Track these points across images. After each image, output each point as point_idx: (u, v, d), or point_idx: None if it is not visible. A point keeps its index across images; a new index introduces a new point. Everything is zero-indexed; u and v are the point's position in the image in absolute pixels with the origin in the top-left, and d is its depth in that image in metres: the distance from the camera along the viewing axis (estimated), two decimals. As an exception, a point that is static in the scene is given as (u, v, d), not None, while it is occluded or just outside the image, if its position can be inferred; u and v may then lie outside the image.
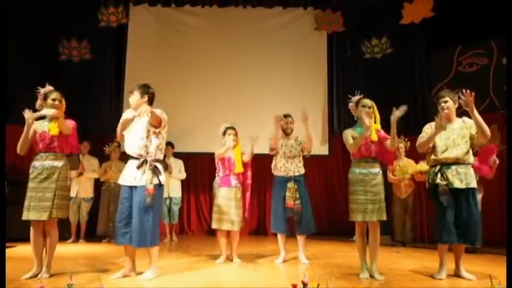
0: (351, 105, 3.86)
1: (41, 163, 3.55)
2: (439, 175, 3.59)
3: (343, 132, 3.85)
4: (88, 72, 7.88)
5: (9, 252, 4.60)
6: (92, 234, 6.61)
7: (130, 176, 3.46)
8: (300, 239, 4.55)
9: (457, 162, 3.59)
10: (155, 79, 7.96)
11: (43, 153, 3.60)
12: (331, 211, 8.05)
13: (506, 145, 5.12)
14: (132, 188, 3.45)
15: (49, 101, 3.70)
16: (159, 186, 3.47)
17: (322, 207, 8.00)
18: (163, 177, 3.51)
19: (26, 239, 4.84)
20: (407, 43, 7.56)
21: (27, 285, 3.09)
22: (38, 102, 3.74)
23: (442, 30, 6.96)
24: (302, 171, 4.64)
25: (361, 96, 3.82)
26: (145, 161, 3.45)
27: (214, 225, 4.56)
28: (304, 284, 2.57)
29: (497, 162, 4.65)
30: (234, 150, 4.72)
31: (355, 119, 3.85)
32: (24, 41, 7.11)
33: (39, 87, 3.78)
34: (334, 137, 8.02)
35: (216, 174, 4.74)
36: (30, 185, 3.50)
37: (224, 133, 4.82)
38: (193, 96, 7.89)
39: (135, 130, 3.55)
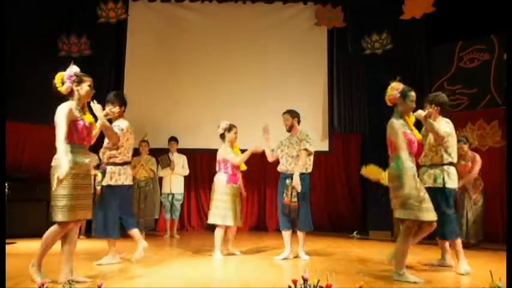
0: (395, 94, 3.61)
1: (85, 158, 3.23)
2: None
3: (395, 123, 3.50)
4: (87, 68, 7.82)
5: (9, 248, 4.60)
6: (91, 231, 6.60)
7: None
8: (299, 235, 4.54)
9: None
10: (155, 75, 8.06)
11: (83, 148, 3.24)
12: (331, 207, 8.05)
13: (506, 142, 5.12)
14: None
15: (87, 87, 3.27)
16: (108, 187, 4.02)
17: (322, 203, 8.00)
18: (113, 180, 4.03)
19: (25, 236, 4.84)
20: (408, 39, 7.53)
21: (27, 282, 3.09)
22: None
23: (443, 25, 6.93)
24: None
25: (409, 88, 3.64)
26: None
27: (218, 221, 4.59)
28: (305, 280, 2.57)
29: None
30: (234, 149, 4.72)
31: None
32: (23, 37, 7.09)
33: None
34: (335, 133, 8.00)
35: (224, 171, 4.75)
36: (76, 182, 3.10)
37: (229, 130, 4.82)
38: (193, 92, 7.86)
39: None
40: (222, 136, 4.93)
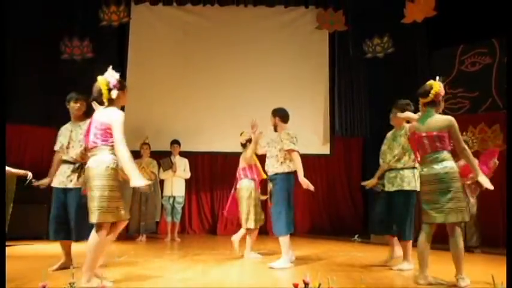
0: (442, 92, 3.46)
1: None
2: None
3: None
4: (90, 70, 7.87)
5: (10, 250, 4.61)
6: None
7: (65, 179, 3.74)
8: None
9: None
10: (157, 78, 8.08)
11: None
12: (332, 210, 8.04)
13: (507, 146, 5.11)
14: (66, 190, 3.74)
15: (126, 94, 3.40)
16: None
17: (323, 206, 7.99)
18: None
19: (26, 238, 4.83)
20: (410, 42, 7.54)
21: (28, 284, 3.08)
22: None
23: (444, 29, 6.94)
24: (277, 170, 4.24)
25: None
26: (80, 166, 3.65)
27: (253, 225, 4.72)
28: (306, 284, 2.56)
29: (497, 163, 4.83)
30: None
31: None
32: (26, 39, 7.13)
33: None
34: (336, 136, 8.01)
35: (251, 177, 4.85)
36: (117, 184, 3.06)
37: (252, 141, 4.76)
38: (195, 95, 7.89)
39: (78, 138, 3.77)
40: (244, 145, 4.97)
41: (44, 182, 3.83)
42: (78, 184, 3.69)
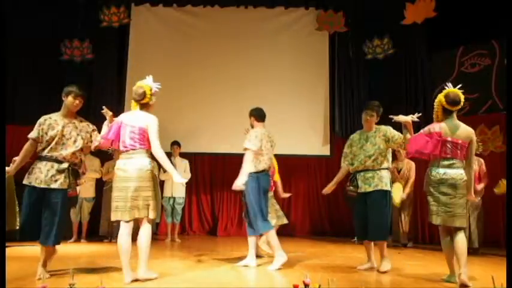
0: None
1: None
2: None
3: None
4: (90, 72, 7.89)
5: (9, 251, 4.61)
6: (93, 234, 6.63)
7: (48, 178, 3.38)
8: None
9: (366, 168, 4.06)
10: (157, 79, 7.99)
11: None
12: (332, 212, 8.04)
13: (506, 147, 5.12)
14: (47, 190, 3.37)
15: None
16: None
17: (323, 207, 7.99)
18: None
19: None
20: (410, 43, 7.54)
21: (28, 284, 3.09)
22: None
23: (445, 30, 6.95)
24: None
25: None
26: (69, 166, 3.47)
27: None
28: (306, 285, 2.57)
29: (484, 170, 5.40)
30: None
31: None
32: (26, 40, 7.14)
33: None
34: (336, 137, 8.00)
35: None
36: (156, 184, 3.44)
37: None
38: (195, 96, 7.88)
39: (72, 136, 3.53)
40: None
41: (9, 169, 3.51)
42: (65, 185, 3.42)
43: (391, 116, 3.80)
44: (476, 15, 6.45)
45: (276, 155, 4.86)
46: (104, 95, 7.87)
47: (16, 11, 6.98)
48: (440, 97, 3.53)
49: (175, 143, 6.88)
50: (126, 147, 3.34)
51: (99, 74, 7.92)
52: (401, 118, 3.69)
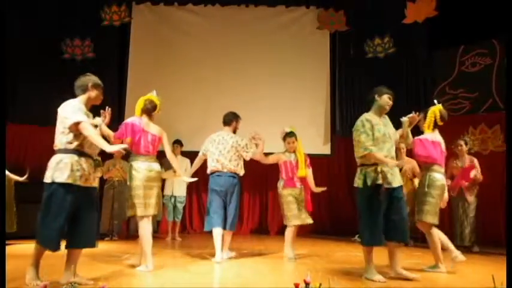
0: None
1: None
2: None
3: None
4: (91, 70, 7.85)
5: (9, 250, 4.62)
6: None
7: (89, 176, 3.23)
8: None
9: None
10: (158, 78, 8.08)
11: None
12: (333, 210, 8.05)
13: (506, 146, 5.13)
14: (86, 189, 3.20)
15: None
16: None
17: (324, 206, 8.00)
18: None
19: (27, 238, 4.85)
20: (410, 42, 7.54)
21: (28, 285, 3.09)
22: None
23: (445, 29, 6.94)
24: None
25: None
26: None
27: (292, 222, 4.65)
28: (307, 284, 2.57)
29: (477, 174, 5.44)
30: (295, 154, 4.82)
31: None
32: (27, 39, 7.14)
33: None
34: (337, 136, 8.01)
35: (280, 177, 4.82)
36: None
37: (283, 139, 4.90)
38: (196, 95, 7.90)
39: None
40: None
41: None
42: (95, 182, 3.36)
43: (402, 119, 3.93)
44: (477, 14, 6.45)
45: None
46: (105, 93, 7.88)
47: (16, 10, 6.98)
48: (436, 110, 3.96)
49: (177, 142, 6.89)
50: (148, 151, 3.84)
51: (100, 73, 7.90)
52: (410, 118, 3.91)
